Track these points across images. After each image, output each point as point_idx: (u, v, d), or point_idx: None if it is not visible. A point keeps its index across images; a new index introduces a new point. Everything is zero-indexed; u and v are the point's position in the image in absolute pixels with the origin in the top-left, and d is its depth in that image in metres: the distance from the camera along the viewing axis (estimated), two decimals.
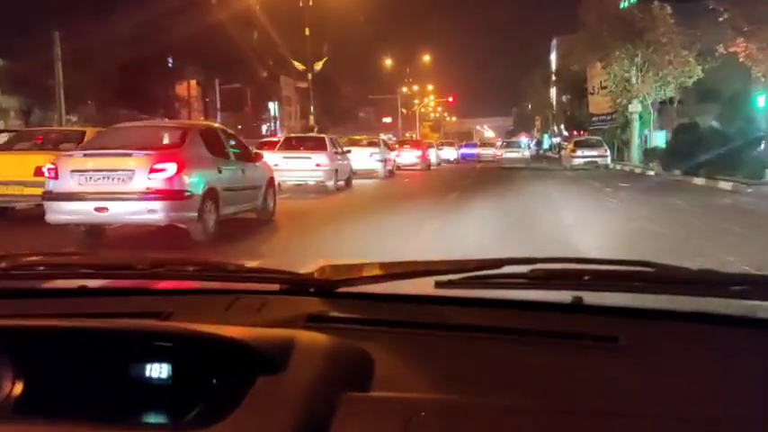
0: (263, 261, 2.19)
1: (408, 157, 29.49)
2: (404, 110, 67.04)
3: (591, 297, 1.28)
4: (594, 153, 27.53)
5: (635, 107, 30.91)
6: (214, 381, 1.02)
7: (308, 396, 0.93)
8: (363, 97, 71.42)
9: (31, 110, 35.05)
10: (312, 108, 35.00)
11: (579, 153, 27.51)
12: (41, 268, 1.57)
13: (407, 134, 65.26)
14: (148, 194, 7.57)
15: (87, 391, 1.06)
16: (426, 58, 72.06)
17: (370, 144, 24.49)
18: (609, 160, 28.03)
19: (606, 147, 28.69)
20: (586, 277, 1.30)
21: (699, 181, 18.46)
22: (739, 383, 1.03)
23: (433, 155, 33.53)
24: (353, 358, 1.07)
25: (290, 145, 18.46)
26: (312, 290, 1.38)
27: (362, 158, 22.18)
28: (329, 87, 60.94)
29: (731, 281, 1.30)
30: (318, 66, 33.55)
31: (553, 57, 79.41)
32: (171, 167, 7.65)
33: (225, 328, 1.07)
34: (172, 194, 7.64)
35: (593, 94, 38.87)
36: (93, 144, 9.04)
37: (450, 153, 42.09)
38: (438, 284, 1.29)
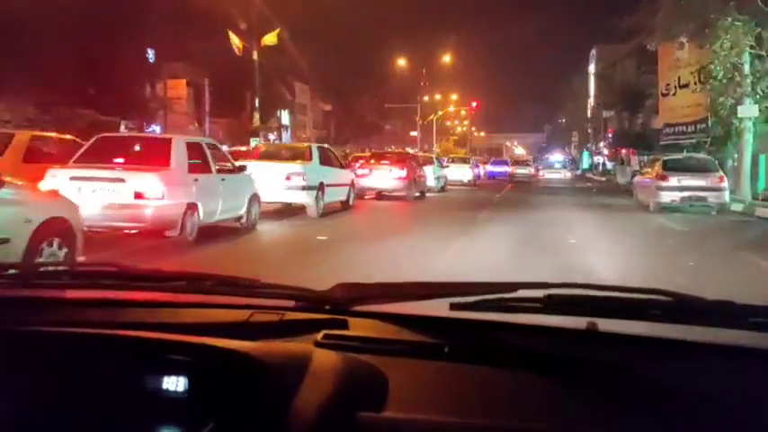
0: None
1: (382, 178, 17.10)
2: (420, 119, 54.74)
3: (606, 324, 1.20)
4: (702, 183, 14.37)
5: (749, 110, 18.06)
6: (226, 395, 0.95)
7: (322, 414, 0.89)
8: (388, 109, 61.65)
9: None
10: (258, 102, 23.08)
11: (674, 182, 14.39)
12: (61, 278, 1.53)
13: (432, 147, 54.85)
14: None
15: (101, 400, 1.00)
16: (451, 65, 60.35)
17: (294, 157, 12.39)
18: (727, 196, 15.01)
19: (721, 172, 15.42)
20: (602, 304, 1.23)
21: None
22: (757, 418, 0.96)
23: (431, 175, 21.12)
24: (368, 378, 1.02)
25: (98, 153, 8.09)
26: (327, 307, 1.30)
27: (272, 183, 10.90)
28: (349, 99, 53.83)
29: (751, 312, 1.17)
30: (269, 41, 21.61)
31: (592, 68, 70.64)
32: None
33: (241, 343, 1.02)
34: None
35: (666, 95, 25.97)
36: None
37: (461, 172, 29.50)
38: (453, 307, 1.22)
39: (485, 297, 1.22)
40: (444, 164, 28.64)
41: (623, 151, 42.17)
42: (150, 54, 50.20)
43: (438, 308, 1.24)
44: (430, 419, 0.93)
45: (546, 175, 32.21)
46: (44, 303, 1.38)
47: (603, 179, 41.28)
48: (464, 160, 31.70)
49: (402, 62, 49.21)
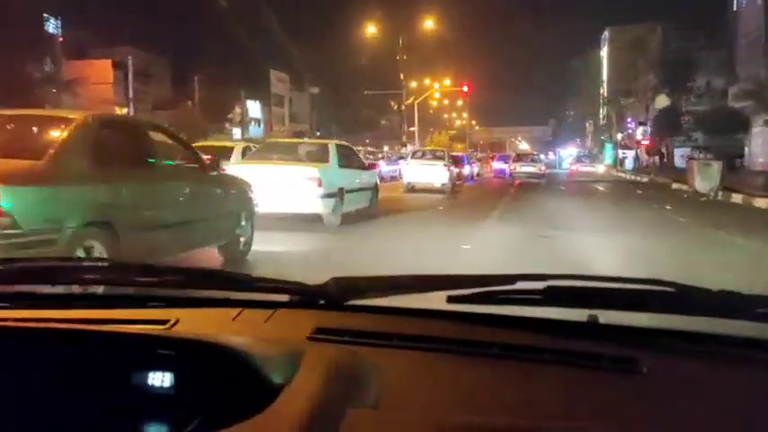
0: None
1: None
2: (397, 104, 43.11)
3: (607, 317, 1.13)
4: None
5: None
6: (216, 391, 0.93)
7: (313, 410, 0.83)
8: (386, 105, 54.81)
9: None
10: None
11: None
12: (51, 273, 1.39)
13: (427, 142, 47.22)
14: None
15: (89, 396, 0.97)
16: (448, 57, 50.65)
17: None
18: None
19: None
20: (603, 296, 1.15)
21: None
22: (763, 411, 0.90)
23: (312, 189, 8.07)
24: (361, 373, 0.95)
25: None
26: (321, 302, 1.22)
27: None
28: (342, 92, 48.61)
29: (755, 303, 1.10)
30: None
31: (604, 52, 59.26)
32: None
33: (230, 338, 0.98)
34: None
35: None
36: None
37: (432, 173, 16.77)
38: (450, 299, 1.16)
39: (483, 289, 1.16)
40: (400, 161, 15.80)
41: (665, 142, 29.09)
42: (52, 24, 38.32)
43: (435, 301, 1.17)
44: (425, 416, 0.86)
45: (580, 168, 31.18)
46: (29, 299, 1.28)
47: (645, 180, 27.88)
48: (436, 156, 18.39)
49: (373, 29, 36.93)
